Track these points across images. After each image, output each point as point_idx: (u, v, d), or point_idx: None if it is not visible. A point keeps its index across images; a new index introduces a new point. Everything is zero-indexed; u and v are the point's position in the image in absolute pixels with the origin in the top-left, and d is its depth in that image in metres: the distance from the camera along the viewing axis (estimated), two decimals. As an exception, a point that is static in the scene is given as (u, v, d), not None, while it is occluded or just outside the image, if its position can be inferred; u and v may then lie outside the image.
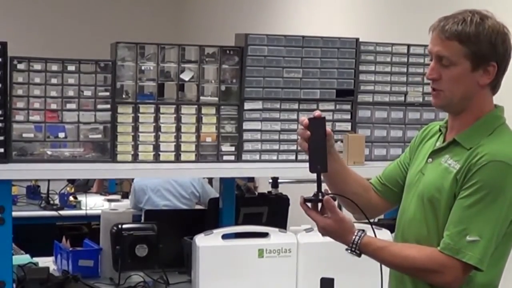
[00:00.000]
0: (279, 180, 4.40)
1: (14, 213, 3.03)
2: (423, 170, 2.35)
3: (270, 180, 4.42)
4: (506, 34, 2.25)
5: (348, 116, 3.57)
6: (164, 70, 3.32)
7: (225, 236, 3.29)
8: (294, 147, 3.46)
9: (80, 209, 6.22)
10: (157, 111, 3.30)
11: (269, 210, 3.95)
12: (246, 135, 3.42)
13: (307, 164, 2.31)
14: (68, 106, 3.20)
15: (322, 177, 2.33)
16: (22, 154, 3.15)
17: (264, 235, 3.34)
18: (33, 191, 6.43)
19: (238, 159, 3.42)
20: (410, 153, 2.50)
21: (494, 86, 2.28)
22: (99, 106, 3.24)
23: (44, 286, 3.26)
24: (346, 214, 2.39)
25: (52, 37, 9.01)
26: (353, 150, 3.40)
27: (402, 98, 3.65)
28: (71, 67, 3.19)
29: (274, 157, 3.46)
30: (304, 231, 3.37)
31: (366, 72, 3.58)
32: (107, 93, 3.24)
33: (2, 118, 3.07)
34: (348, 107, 3.57)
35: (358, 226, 2.34)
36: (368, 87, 3.59)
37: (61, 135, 3.20)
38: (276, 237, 3.33)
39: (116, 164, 3.25)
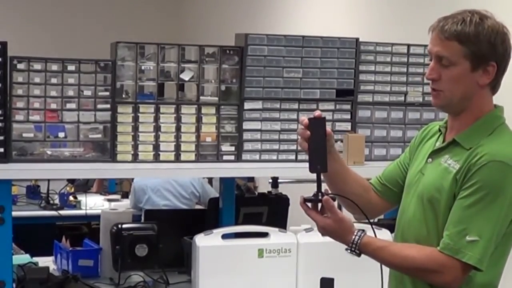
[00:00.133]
0: (279, 180, 4.40)
1: (14, 213, 3.03)
2: (423, 170, 2.35)
3: (270, 180, 4.42)
4: (506, 34, 2.25)
5: (348, 116, 3.57)
6: (164, 70, 3.32)
7: (225, 236, 3.29)
8: (294, 147, 3.46)
9: (80, 209, 6.21)
10: (157, 111, 3.31)
11: (269, 210, 3.95)
12: (246, 135, 3.42)
13: (307, 164, 2.31)
14: (68, 106, 3.20)
15: (322, 177, 2.33)
16: (22, 154, 3.15)
17: (264, 235, 3.34)
18: (33, 191, 6.43)
19: (238, 159, 3.42)
20: (410, 153, 2.50)
21: (494, 86, 2.28)
22: (99, 106, 3.24)
23: (44, 286, 3.26)
24: (346, 214, 2.39)
25: (52, 37, 9.02)
26: (353, 150, 3.40)
27: (402, 98, 3.65)
28: (71, 67, 3.19)
29: (274, 157, 3.46)
30: (304, 231, 3.37)
31: (366, 72, 3.58)
32: (107, 93, 3.24)
33: (2, 118, 3.07)
34: (348, 107, 3.57)
35: (358, 226, 2.34)
36: (368, 87, 3.60)
37: (61, 135, 3.20)
38: (276, 237, 3.33)
39: (116, 164, 3.25)
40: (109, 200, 6.48)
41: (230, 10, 8.25)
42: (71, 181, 6.26)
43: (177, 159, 3.33)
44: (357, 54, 3.55)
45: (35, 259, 3.58)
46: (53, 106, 3.18)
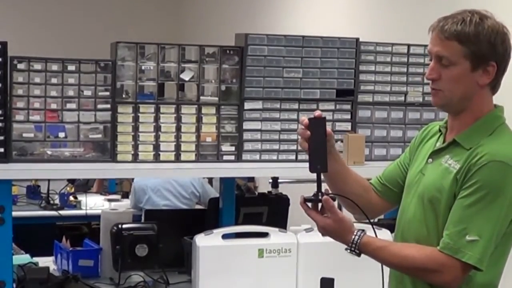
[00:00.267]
0: (279, 180, 4.40)
1: (14, 213, 3.03)
2: (423, 171, 2.35)
3: (270, 180, 4.42)
4: (506, 34, 2.25)
5: (348, 116, 3.57)
6: (164, 70, 3.32)
7: (225, 236, 3.29)
8: (294, 147, 3.46)
9: (80, 209, 6.22)
10: (157, 111, 3.31)
11: (269, 210, 3.95)
12: (246, 135, 3.42)
13: (307, 164, 2.31)
14: (68, 106, 3.20)
15: (322, 177, 2.33)
16: (22, 154, 3.15)
17: (264, 235, 3.34)
18: (33, 191, 6.43)
19: (238, 159, 3.42)
20: (410, 153, 2.50)
21: (494, 86, 2.29)
22: (99, 106, 3.24)
23: (44, 286, 3.26)
24: (346, 214, 2.39)
25: (52, 36, 9.02)
26: (353, 150, 3.40)
27: (402, 98, 3.65)
28: (71, 67, 3.19)
29: (274, 157, 3.46)
30: (304, 231, 3.37)
31: (366, 72, 3.58)
32: (107, 93, 3.24)
33: (2, 118, 3.07)
34: (348, 107, 3.57)
35: (358, 226, 2.34)
36: (368, 87, 3.59)
37: (61, 135, 3.20)
38: (276, 237, 3.33)
39: (116, 164, 3.25)
40: (109, 200, 6.48)
41: (230, 10, 8.26)
42: (71, 181, 6.27)
43: (177, 159, 3.33)
44: (357, 54, 3.55)
45: (35, 259, 3.58)
46: (53, 106, 3.18)
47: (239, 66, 3.39)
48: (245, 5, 7.87)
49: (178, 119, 3.33)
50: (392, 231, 2.64)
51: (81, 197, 6.32)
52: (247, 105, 3.41)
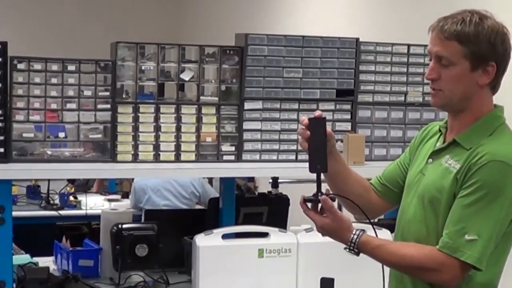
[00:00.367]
0: (279, 180, 4.40)
1: (14, 213, 3.03)
2: (424, 171, 2.35)
3: (270, 180, 4.42)
4: (506, 34, 2.25)
5: (348, 116, 3.57)
6: (164, 70, 3.32)
7: (225, 236, 3.29)
8: (294, 147, 3.46)
9: (80, 209, 6.21)
10: (157, 111, 3.31)
11: (269, 210, 3.95)
12: (246, 135, 3.42)
13: (307, 164, 2.32)
14: (68, 106, 3.20)
15: (322, 177, 2.33)
16: (22, 154, 3.15)
17: (264, 235, 3.34)
18: (33, 191, 6.43)
19: (238, 159, 3.42)
20: (410, 153, 2.50)
21: (494, 86, 2.29)
22: (99, 106, 3.24)
23: (44, 286, 3.26)
24: (346, 214, 2.39)
25: (52, 36, 9.02)
26: (353, 150, 3.40)
27: (402, 98, 3.65)
28: (71, 67, 3.19)
29: (274, 157, 3.46)
30: (304, 231, 3.37)
31: (366, 72, 3.58)
32: (107, 93, 3.24)
33: (2, 118, 3.07)
34: (348, 107, 3.57)
35: (358, 226, 2.34)
36: (368, 87, 3.60)
37: (61, 135, 3.20)
38: (276, 237, 3.33)
39: (116, 164, 3.25)
40: (109, 200, 6.48)
41: (230, 10, 8.26)
42: (71, 181, 6.26)
43: (177, 159, 3.33)
44: (357, 54, 3.55)
45: (35, 259, 3.58)
46: (53, 106, 3.18)
47: (239, 66, 3.39)
48: (245, 5, 7.87)
49: (178, 119, 3.33)
50: (392, 231, 2.64)
51: (81, 197, 6.32)
52: (247, 105, 3.41)
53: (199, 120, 3.36)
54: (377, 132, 3.62)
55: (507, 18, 2.32)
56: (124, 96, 3.28)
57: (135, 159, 3.28)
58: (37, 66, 3.15)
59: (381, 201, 2.53)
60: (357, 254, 2.30)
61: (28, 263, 3.46)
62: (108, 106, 3.24)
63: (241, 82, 3.39)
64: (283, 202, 4.07)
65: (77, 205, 6.24)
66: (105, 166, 3.23)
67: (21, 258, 3.53)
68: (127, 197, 6.23)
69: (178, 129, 3.33)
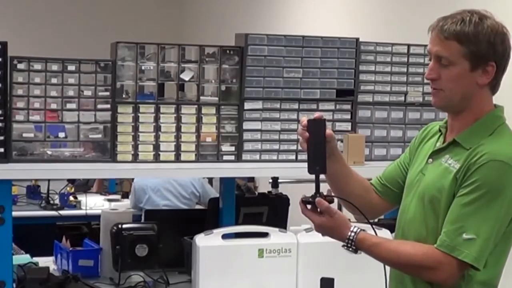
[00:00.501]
0: (279, 180, 4.40)
1: (14, 213, 3.03)
2: (424, 171, 2.35)
3: (270, 180, 4.42)
4: (505, 34, 2.25)
5: (348, 116, 3.57)
6: (164, 70, 3.32)
7: (225, 236, 3.29)
8: (294, 147, 3.46)
9: (80, 209, 6.22)
10: (157, 111, 3.31)
11: (269, 210, 3.95)
12: (246, 135, 3.42)
13: (307, 164, 2.31)
14: (68, 106, 3.20)
15: (323, 177, 2.33)
16: (22, 154, 3.15)
17: (264, 235, 3.34)
18: (33, 191, 6.43)
19: (238, 159, 3.42)
20: (410, 153, 2.50)
21: (494, 86, 2.29)
22: (99, 106, 3.24)
23: (44, 286, 3.26)
24: (347, 214, 2.39)
25: (52, 36, 9.01)
26: (353, 150, 3.40)
27: (402, 98, 3.65)
28: (71, 67, 3.19)
29: (274, 157, 3.46)
30: (304, 231, 3.37)
31: (366, 72, 3.58)
32: (107, 93, 3.24)
33: (2, 118, 3.07)
34: (348, 107, 3.57)
35: (359, 226, 2.34)
36: (368, 87, 3.60)
37: (61, 135, 3.20)
38: (276, 237, 3.33)
39: (116, 164, 3.25)
40: (109, 200, 6.48)
41: (230, 10, 8.25)
42: (71, 181, 6.27)
43: (177, 159, 3.33)
44: (357, 54, 3.55)
45: (35, 259, 3.57)
46: (53, 106, 3.18)
47: (239, 66, 3.39)
48: (245, 5, 7.87)
49: (178, 119, 3.33)
50: (392, 231, 2.64)
51: (81, 197, 6.32)
52: (247, 105, 3.41)
53: (199, 120, 3.36)
54: (377, 132, 3.62)
55: (507, 18, 2.32)
56: (124, 96, 3.28)
57: (135, 159, 3.28)
58: (37, 66, 3.15)
59: (381, 201, 2.54)
60: (355, 251, 2.30)
61: (28, 263, 3.46)
62: (108, 106, 3.24)
63: (241, 82, 3.39)
64: (283, 202, 4.07)
65: (77, 205, 6.25)
66: (105, 166, 3.23)
67: (21, 258, 3.53)
68: (127, 197, 6.23)
69: (178, 129, 3.33)
